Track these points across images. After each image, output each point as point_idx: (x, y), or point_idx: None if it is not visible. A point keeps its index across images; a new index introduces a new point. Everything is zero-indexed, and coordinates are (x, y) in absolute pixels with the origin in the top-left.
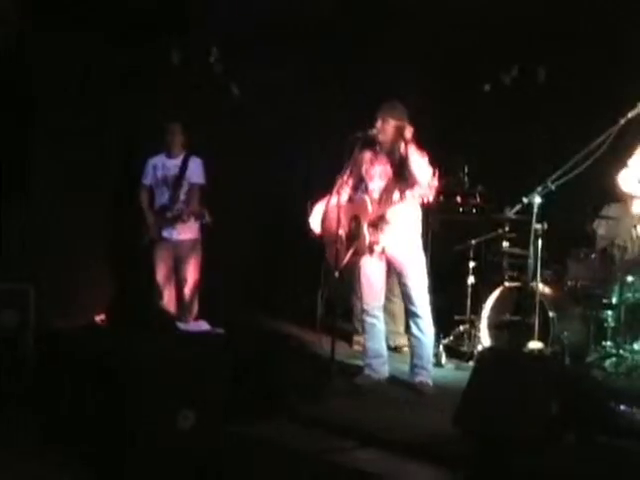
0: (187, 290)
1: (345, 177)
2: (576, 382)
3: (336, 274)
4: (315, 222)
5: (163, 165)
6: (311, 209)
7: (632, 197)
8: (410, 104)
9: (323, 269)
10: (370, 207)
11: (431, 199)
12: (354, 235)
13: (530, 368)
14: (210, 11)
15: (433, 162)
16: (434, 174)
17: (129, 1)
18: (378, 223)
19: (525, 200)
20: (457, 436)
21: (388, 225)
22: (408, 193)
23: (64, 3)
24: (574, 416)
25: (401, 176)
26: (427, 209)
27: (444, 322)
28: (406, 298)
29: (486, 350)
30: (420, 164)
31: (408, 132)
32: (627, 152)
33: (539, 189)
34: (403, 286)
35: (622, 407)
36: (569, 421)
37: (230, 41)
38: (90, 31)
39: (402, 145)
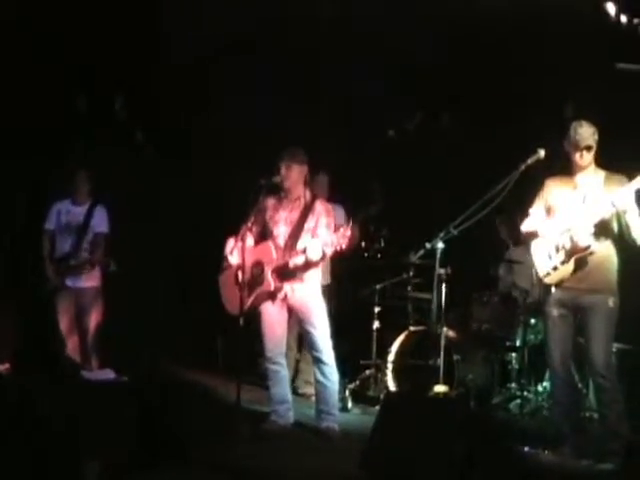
0: (90, 338)
1: (249, 224)
2: (481, 424)
3: (241, 320)
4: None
5: (68, 211)
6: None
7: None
8: (315, 151)
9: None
10: (274, 253)
11: (344, 247)
12: (257, 281)
13: (435, 411)
14: (114, 58)
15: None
16: (348, 223)
17: (40, 51)
18: (282, 270)
19: (428, 245)
20: None
21: (293, 272)
22: (316, 245)
23: None
24: (479, 458)
25: (306, 223)
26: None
27: (350, 367)
28: (309, 344)
29: (391, 394)
30: (327, 219)
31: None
32: (529, 201)
33: (441, 234)
34: (306, 333)
35: (527, 448)
36: (474, 463)
37: (135, 87)
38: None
39: (307, 192)
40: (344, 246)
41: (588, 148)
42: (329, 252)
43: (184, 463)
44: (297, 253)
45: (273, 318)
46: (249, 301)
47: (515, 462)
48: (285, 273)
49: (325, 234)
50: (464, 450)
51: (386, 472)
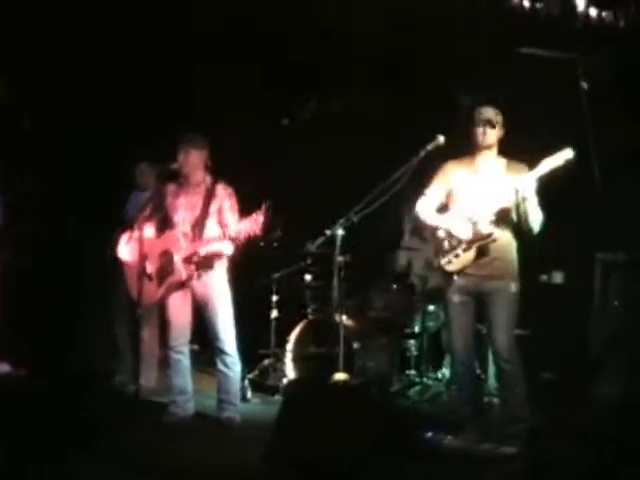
0: None
1: (147, 211)
2: (384, 411)
3: (139, 311)
4: (124, 251)
5: None
6: (118, 239)
7: (431, 227)
8: (210, 138)
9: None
10: (183, 242)
11: (258, 234)
12: (166, 271)
13: (337, 400)
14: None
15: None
16: (262, 209)
17: None
18: (193, 259)
19: (328, 232)
20: (268, 471)
21: (203, 261)
22: (229, 232)
23: None
24: (383, 445)
25: (209, 210)
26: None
27: (248, 356)
28: (211, 333)
29: (293, 384)
30: (230, 202)
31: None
32: (426, 182)
33: (342, 221)
34: (208, 321)
35: (429, 434)
36: (378, 450)
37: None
38: None
39: (208, 177)
40: (258, 232)
41: (490, 123)
42: (241, 239)
43: (81, 455)
44: (206, 241)
45: (178, 306)
46: (160, 292)
47: (418, 447)
48: (196, 262)
49: (233, 220)
50: (368, 438)
51: (290, 462)
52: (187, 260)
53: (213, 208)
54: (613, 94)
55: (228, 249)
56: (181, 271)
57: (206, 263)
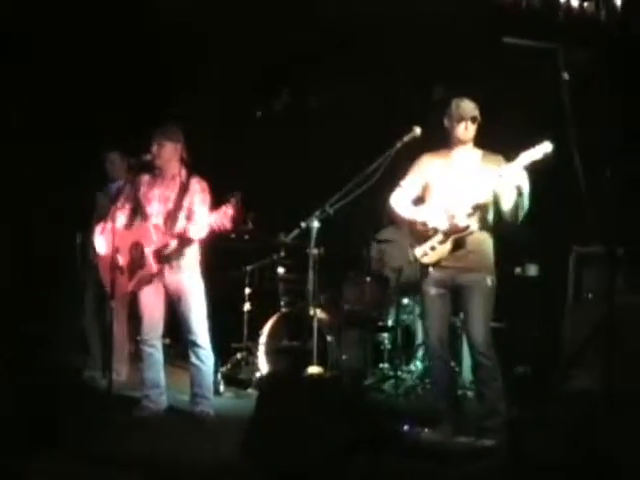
0: None
1: (120, 203)
2: (358, 405)
3: (112, 304)
4: (99, 243)
5: None
6: (90, 233)
7: (405, 218)
8: (184, 130)
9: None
10: (154, 235)
11: (228, 227)
12: (137, 264)
13: (311, 393)
14: None
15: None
16: (231, 202)
17: None
18: (163, 252)
19: (303, 224)
20: (242, 465)
21: (173, 254)
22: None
23: None
24: (358, 438)
25: (183, 203)
26: None
27: (221, 350)
28: (184, 327)
29: (267, 376)
30: (202, 195)
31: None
32: (401, 174)
33: (317, 213)
34: (181, 315)
35: (405, 427)
36: (357, 445)
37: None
38: None
39: (183, 170)
40: (228, 225)
41: (473, 119)
42: (207, 231)
43: (55, 450)
44: (177, 234)
45: (150, 300)
46: (131, 285)
47: (396, 441)
48: (165, 255)
49: (202, 212)
50: (346, 432)
51: (265, 457)
52: (158, 253)
53: (186, 202)
54: (594, 85)
55: (198, 233)
56: (152, 264)
57: (177, 255)
